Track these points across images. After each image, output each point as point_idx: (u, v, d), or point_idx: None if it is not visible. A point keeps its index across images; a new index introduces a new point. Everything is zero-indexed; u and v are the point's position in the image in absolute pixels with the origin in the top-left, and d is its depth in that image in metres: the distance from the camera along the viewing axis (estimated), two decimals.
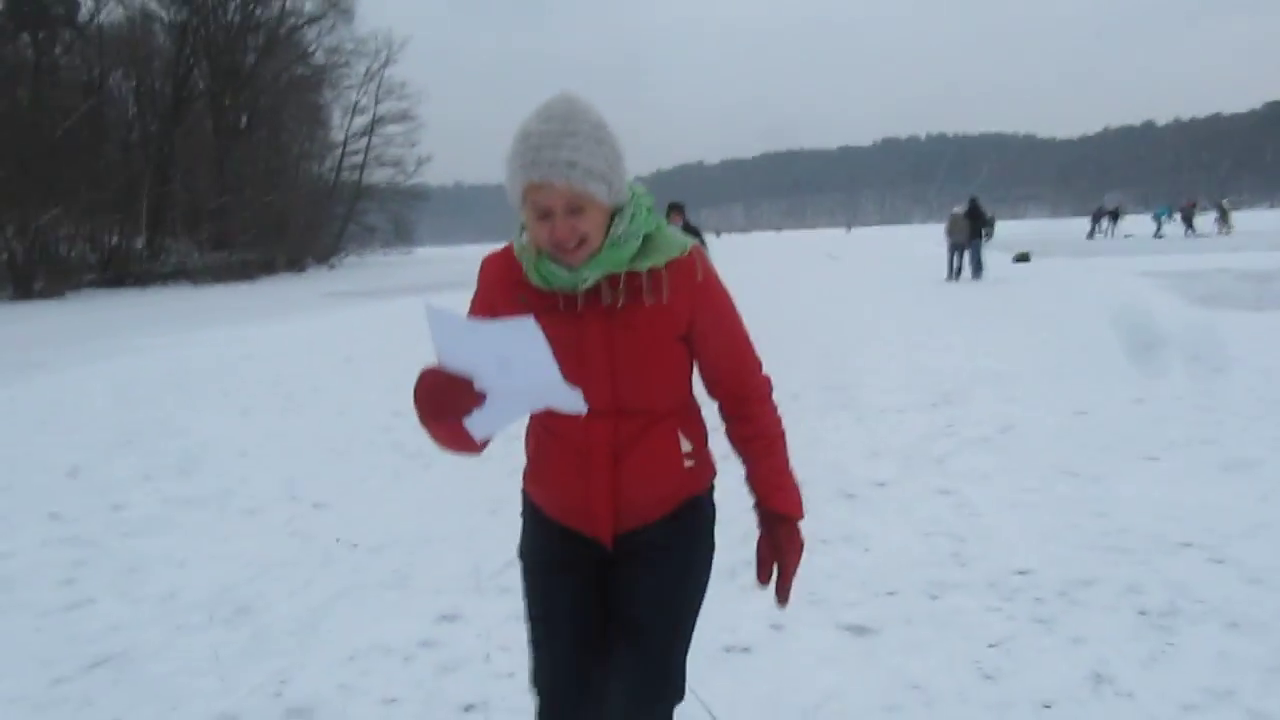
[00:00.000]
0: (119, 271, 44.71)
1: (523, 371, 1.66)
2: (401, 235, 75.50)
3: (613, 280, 1.85)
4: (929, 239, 24.87)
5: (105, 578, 4.46)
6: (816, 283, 24.52)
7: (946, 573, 4.04)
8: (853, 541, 4.47)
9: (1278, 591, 3.64)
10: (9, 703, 3.24)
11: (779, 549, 2.01)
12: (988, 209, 23.19)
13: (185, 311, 23.70)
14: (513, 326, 1.63)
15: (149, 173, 47.21)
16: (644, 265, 1.85)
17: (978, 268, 21.89)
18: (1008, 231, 57.18)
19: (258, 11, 58.81)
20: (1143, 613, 3.53)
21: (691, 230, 11.69)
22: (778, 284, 23.03)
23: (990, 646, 3.32)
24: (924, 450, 6.16)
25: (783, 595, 2.03)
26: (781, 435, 2.07)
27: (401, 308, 20.41)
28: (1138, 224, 52.04)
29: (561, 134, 1.74)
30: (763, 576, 2.04)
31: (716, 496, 2.11)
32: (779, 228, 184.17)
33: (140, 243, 47.32)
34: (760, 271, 27.32)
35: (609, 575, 2.03)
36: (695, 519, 2.05)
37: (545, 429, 2.01)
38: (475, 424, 1.75)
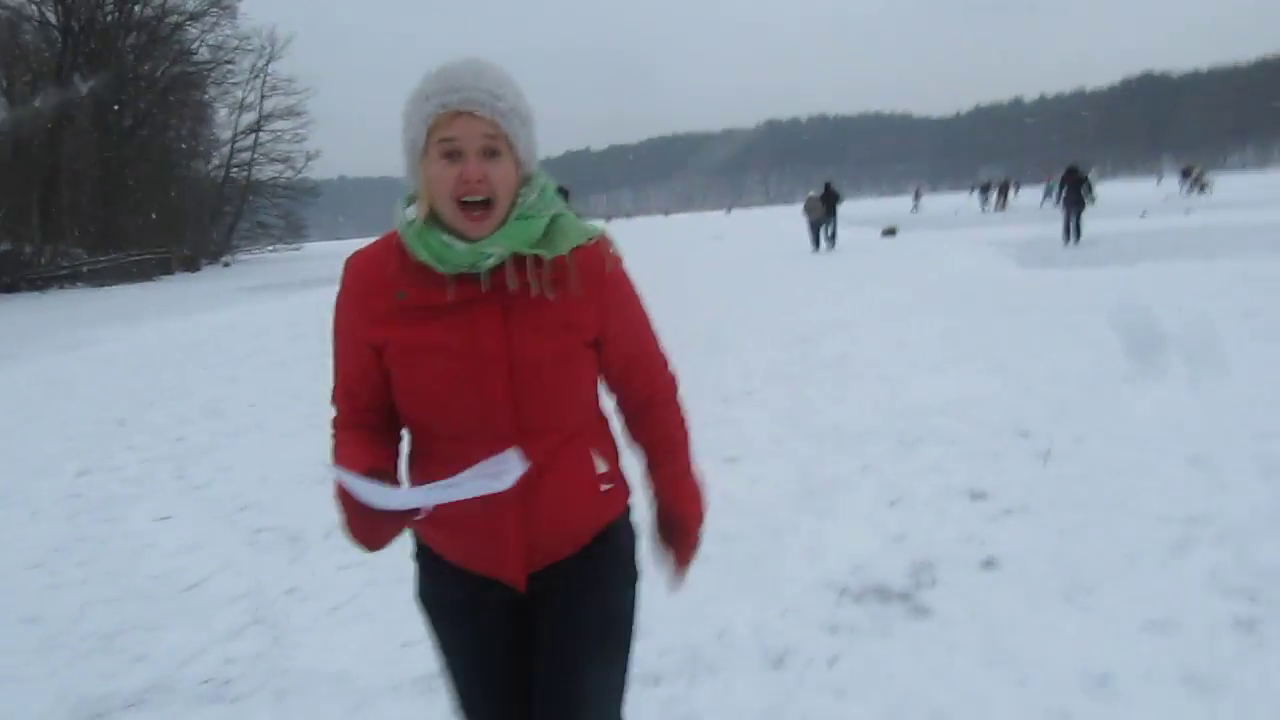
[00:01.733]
0: (12, 277, 44.72)
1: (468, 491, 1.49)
2: (293, 231, 75.56)
3: (518, 262, 1.59)
4: (800, 218, 27.66)
5: (208, 472, 6.33)
6: (702, 259, 27.12)
7: (786, 431, 6.22)
8: (726, 423, 6.57)
9: (980, 425, 5.88)
10: (207, 555, 5.14)
11: (677, 546, 1.89)
12: (841, 192, 26.91)
13: (111, 309, 24.76)
14: (480, 476, 1.47)
15: (37, 177, 47.19)
16: (550, 251, 1.60)
17: (832, 240, 25.73)
18: (887, 207, 61.59)
19: (136, 9, 58.38)
20: (902, 443, 5.73)
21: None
22: (668, 262, 25.28)
23: (809, 463, 5.48)
24: (780, 373, 8.34)
25: (678, 582, 1.93)
26: (686, 437, 1.91)
27: (318, 298, 21.94)
28: (1029, 196, 56.06)
29: (481, 70, 1.55)
30: (659, 559, 1.92)
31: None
32: (666, 211, 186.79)
33: (31, 247, 47.24)
34: (651, 253, 29.54)
35: (525, 620, 1.80)
36: (616, 548, 1.84)
37: (435, 460, 1.68)
38: (397, 500, 1.55)
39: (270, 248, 73.68)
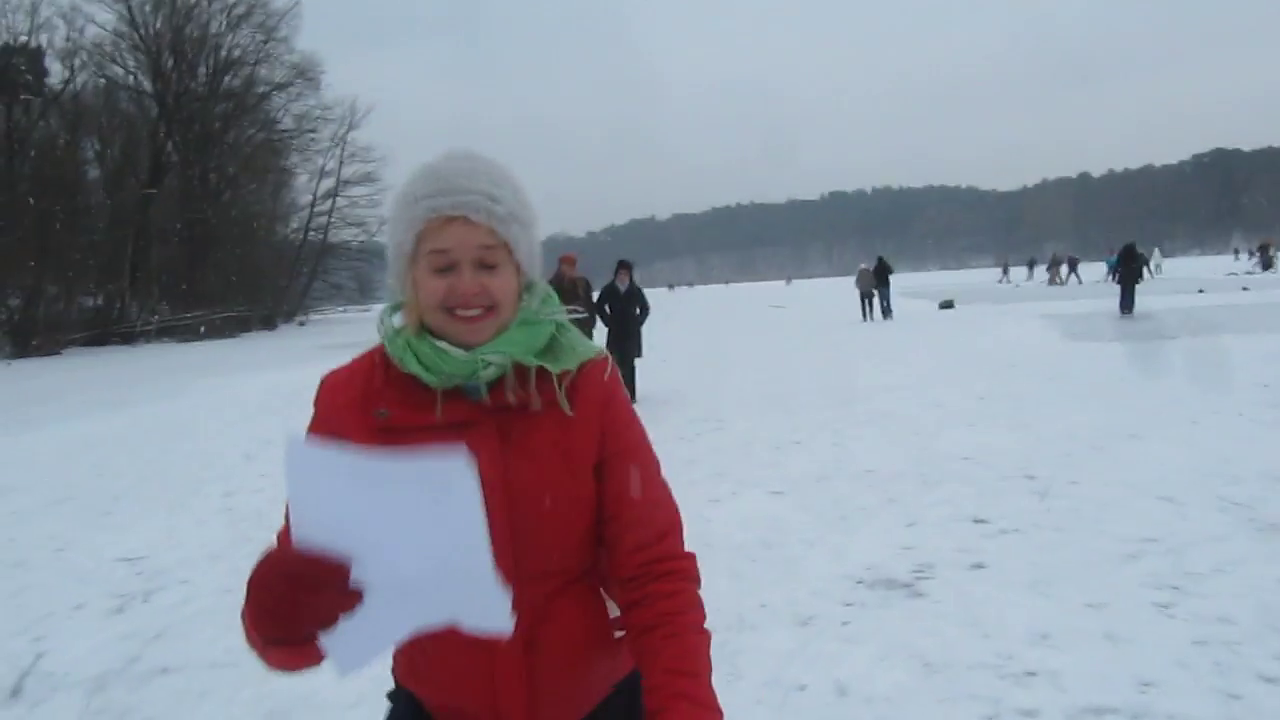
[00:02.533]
0: (104, 330, 47.11)
1: (439, 548, 1.08)
2: (364, 292, 78.05)
3: (520, 375, 1.37)
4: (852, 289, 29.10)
5: None
6: (760, 326, 28.29)
7: (827, 472, 7.23)
8: (775, 466, 7.60)
9: (992, 469, 6.84)
10: None
11: None
12: (890, 264, 28.21)
13: (203, 363, 26.47)
14: (432, 466, 1.05)
15: (130, 237, 49.79)
16: (557, 365, 1.39)
17: (886, 310, 27.08)
18: (950, 280, 62.48)
19: (226, 80, 61.59)
20: (925, 483, 6.72)
21: (636, 290, 11.69)
22: (730, 328, 26.43)
23: (843, 497, 6.49)
24: (828, 426, 9.35)
25: None
26: (700, 626, 1.41)
27: None
28: (1091, 271, 56.38)
29: (475, 171, 1.34)
30: None
31: None
32: (727, 281, 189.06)
33: (122, 303, 49.70)
34: (714, 319, 30.69)
35: None
36: (635, 711, 1.45)
37: None
38: (340, 649, 1.12)
39: (341, 308, 76.14)
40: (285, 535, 1.27)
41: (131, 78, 56.17)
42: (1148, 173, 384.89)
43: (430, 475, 1.03)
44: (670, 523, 1.48)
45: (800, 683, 3.56)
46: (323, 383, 1.45)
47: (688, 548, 1.49)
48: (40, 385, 20.95)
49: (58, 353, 40.37)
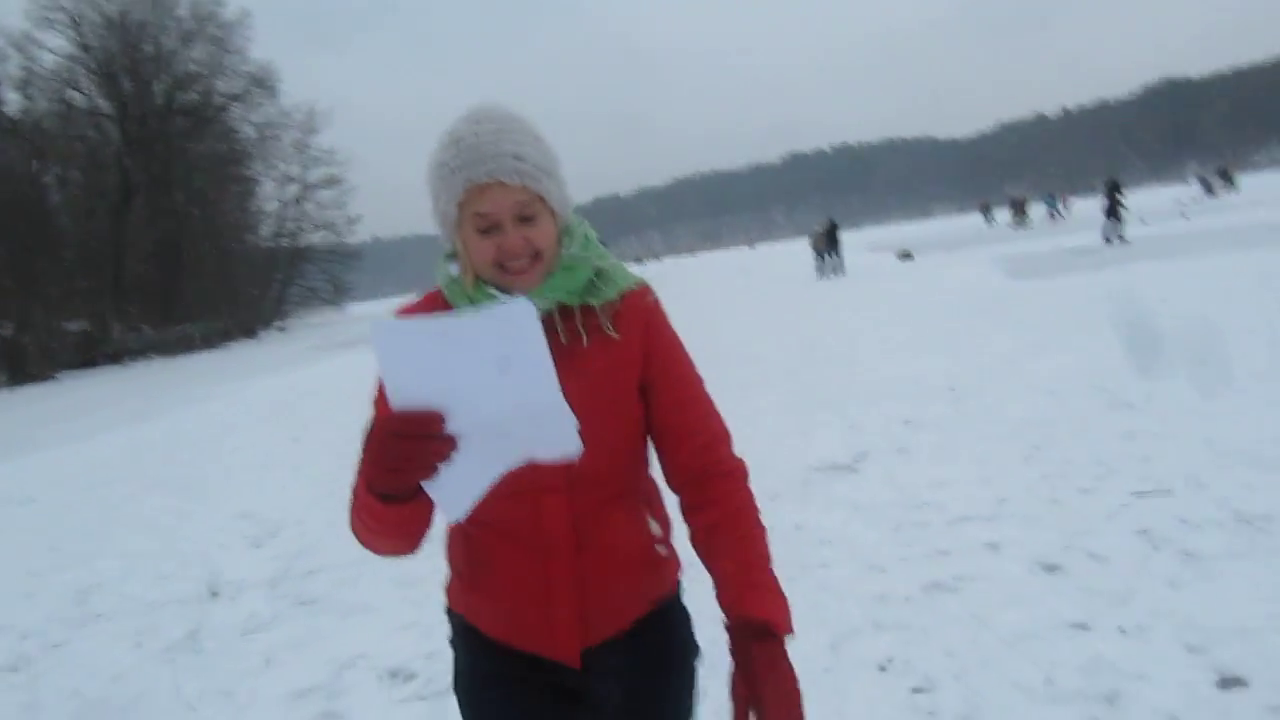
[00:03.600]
0: (92, 353, 48.09)
1: (513, 389, 1.22)
2: (339, 294, 78.58)
3: (565, 313, 1.55)
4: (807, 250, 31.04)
5: None
6: (728, 289, 30.07)
7: (788, 401, 8.85)
8: (744, 402, 9.19)
9: (922, 385, 8.46)
10: None
11: (759, 684, 1.35)
12: (839, 225, 30.40)
13: (202, 373, 27.90)
14: (498, 317, 1.19)
15: (105, 259, 50.69)
16: (598, 299, 1.56)
17: (838, 267, 29.36)
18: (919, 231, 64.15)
19: (183, 96, 62.08)
20: (867, 399, 8.34)
21: None
22: (701, 294, 28.07)
23: (802, 414, 8.10)
24: (786, 366, 10.97)
25: None
26: (758, 521, 1.58)
27: None
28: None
29: (499, 131, 1.47)
30: (738, 711, 1.36)
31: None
32: (693, 251, 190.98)
33: (105, 325, 50.60)
34: (685, 288, 32.28)
35: (586, 702, 1.65)
36: (673, 631, 1.72)
37: (480, 523, 1.54)
38: (444, 492, 1.29)
39: (316, 312, 76.69)
40: (380, 404, 1.50)
41: (89, 101, 56.73)
42: (1100, 108, 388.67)
43: (500, 322, 1.16)
44: (721, 430, 1.65)
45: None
46: (396, 313, 1.57)
47: (735, 453, 1.64)
48: (65, 404, 22.36)
49: (54, 378, 41.36)
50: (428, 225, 1.57)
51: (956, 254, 31.66)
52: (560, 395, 1.22)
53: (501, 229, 1.47)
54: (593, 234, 1.64)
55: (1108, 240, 24.75)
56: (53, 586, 6.11)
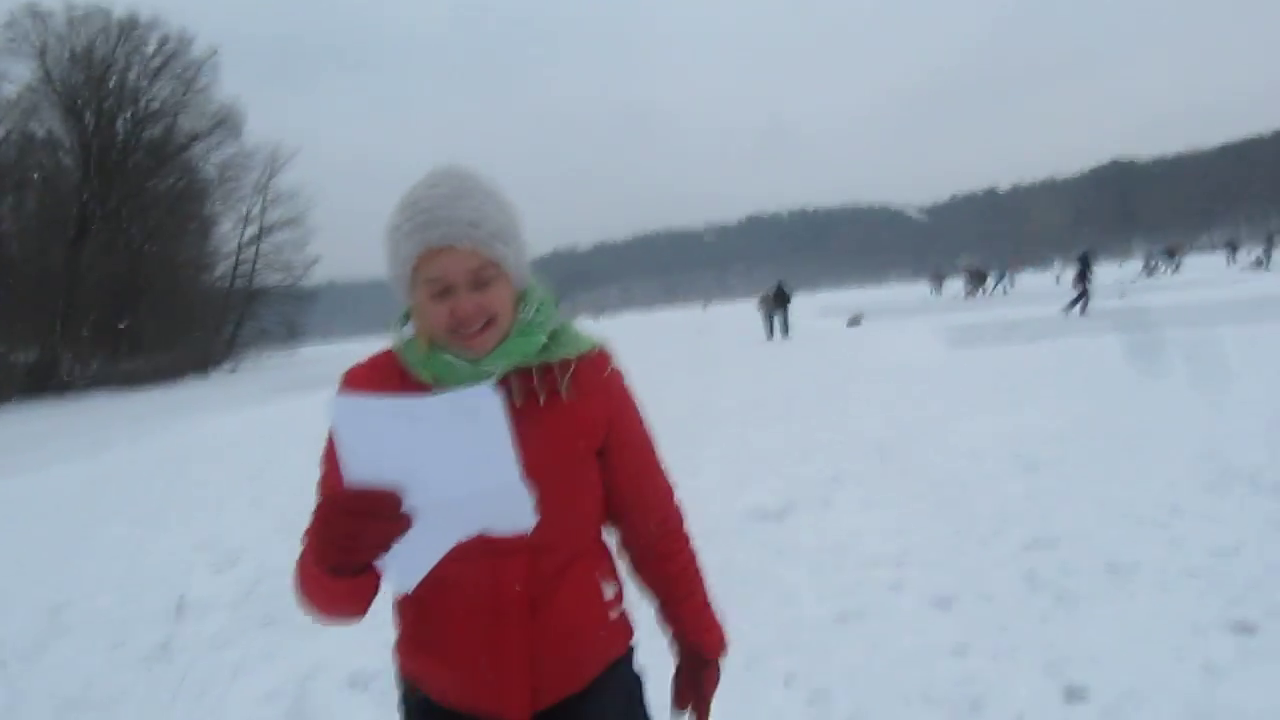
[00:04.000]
0: (42, 383, 47.68)
1: (472, 471, 1.25)
2: (292, 335, 77.83)
3: (522, 376, 1.57)
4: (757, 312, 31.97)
5: None
6: (681, 348, 30.78)
7: (731, 453, 9.39)
8: (692, 444, 9.72)
9: (854, 441, 9.03)
10: None
11: (700, 684, 1.85)
12: (788, 288, 31.50)
13: (159, 408, 27.93)
14: (464, 402, 1.22)
15: (58, 289, 50.38)
16: (553, 358, 1.59)
17: (785, 330, 30.47)
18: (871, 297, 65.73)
19: (145, 131, 62.10)
20: (802, 452, 8.89)
21: None
22: (653, 352, 28.71)
23: (747, 466, 8.64)
24: (733, 419, 11.53)
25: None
26: (700, 570, 1.87)
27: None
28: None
29: (457, 195, 1.48)
30: (680, 704, 1.87)
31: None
32: (647, 307, 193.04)
33: (57, 356, 50.20)
34: (640, 346, 32.91)
35: None
36: (625, 686, 1.77)
37: (432, 582, 1.46)
38: (395, 565, 1.32)
39: (268, 353, 75.87)
40: (328, 481, 1.56)
41: (49, 132, 56.63)
42: (1050, 185, 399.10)
43: (465, 407, 1.19)
44: (669, 492, 1.84)
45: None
46: (346, 376, 1.62)
47: (676, 500, 1.89)
48: (15, 434, 22.35)
49: (0, 406, 41.05)
50: (383, 270, 1.56)
51: (904, 321, 32.62)
52: (520, 477, 1.26)
53: (455, 293, 1.48)
54: (549, 298, 1.65)
55: (1076, 308, 26.15)
56: (22, 603, 6.43)
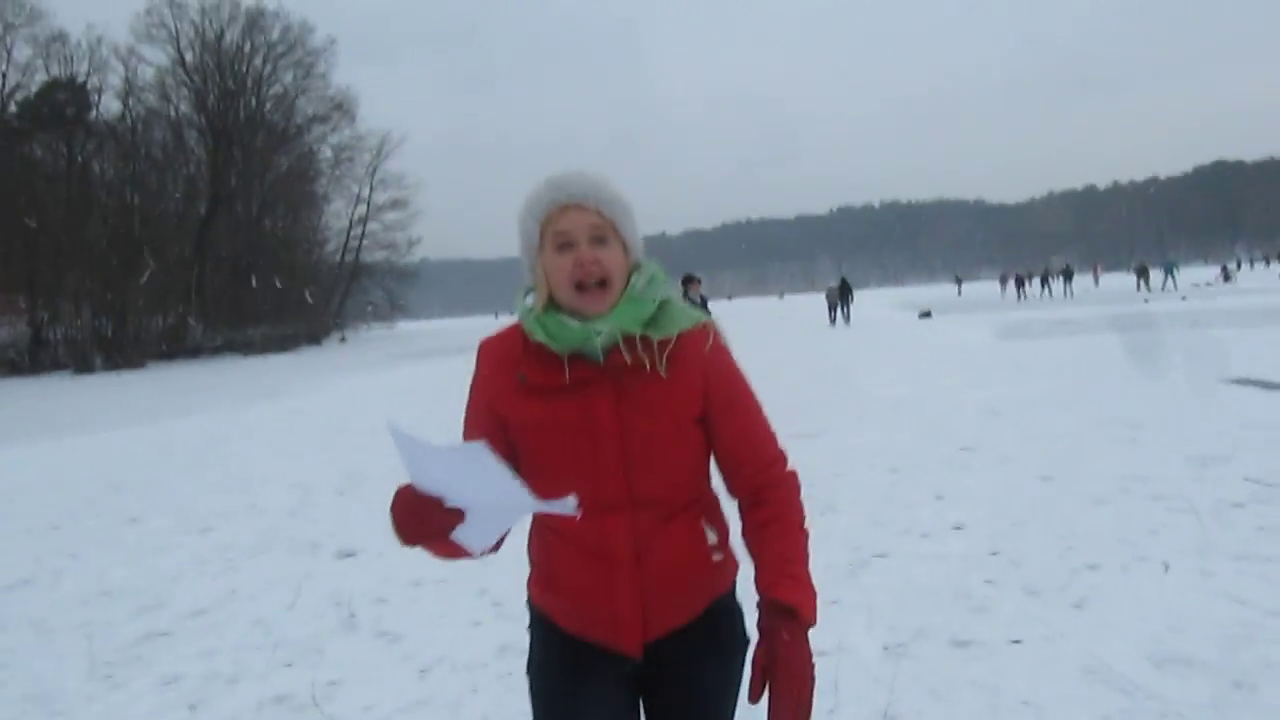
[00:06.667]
0: (175, 347, 51.97)
1: (491, 493, 1.56)
2: (396, 310, 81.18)
3: (629, 343, 1.73)
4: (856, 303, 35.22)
5: None
6: (762, 330, 34.10)
7: (794, 401, 12.43)
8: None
9: (889, 404, 11.97)
10: None
11: (778, 658, 1.62)
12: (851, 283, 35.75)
13: (304, 369, 31.91)
14: (464, 452, 1.52)
15: (194, 263, 54.65)
16: (658, 333, 1.74)
17: (847, 318, 34.69)
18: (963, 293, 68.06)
19: (268, 110, 66.23)
20: (853, 414, 11.87)
21: (704, 302, 14.36)
22: (748, 333, 31.87)
23: (803, 420, 11.68)
24: (800, 392, 14.50)
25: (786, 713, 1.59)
26: (802, 525, 1.82)
27: (455, 364, 28.70)
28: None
29: (581, 172, 1.76)
30: (754, 695, 1.63)
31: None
32: (730, 296, 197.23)
33: (187, 324, 54.41)
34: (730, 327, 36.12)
35: (640, 694, 1.90)
36: (728, 623, 1.90)
37: (552, 530, 1.83)
38: (465, 538, 1.65)
39: (368, 326, 79.05)
40: (468, 416, 1.89)
41: (180, 113, 60.55)
42: (1153, 184, 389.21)
43: (468, 451, 1.50)
44: (778, 453, 1.88)
45: None
46: (481, 346, 1.87)
47: (789, 467, 1.88)
48: (196, 384, 26.27)
49: (143, 366, 45.30)
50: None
51: (971, 315, 35.17)
52: (527, 496, 1.52)
53: (576, 247, 1.71)
54: (661, 274, 1.83)
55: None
56: (279, 483, 9.75)
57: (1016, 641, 4.04)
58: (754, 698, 1.62)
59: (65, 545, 7.32)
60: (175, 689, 4.21)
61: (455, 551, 1.67)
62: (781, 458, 1.88)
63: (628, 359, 1.72)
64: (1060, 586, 4.69)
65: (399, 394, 19.41)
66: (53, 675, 4.48)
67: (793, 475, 1.88)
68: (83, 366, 43.74)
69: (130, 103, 55.70)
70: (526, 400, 1.75)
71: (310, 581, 5.81)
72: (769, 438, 1.89)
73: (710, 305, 16.60)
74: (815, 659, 1.65)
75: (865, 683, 3.69)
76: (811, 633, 1.67)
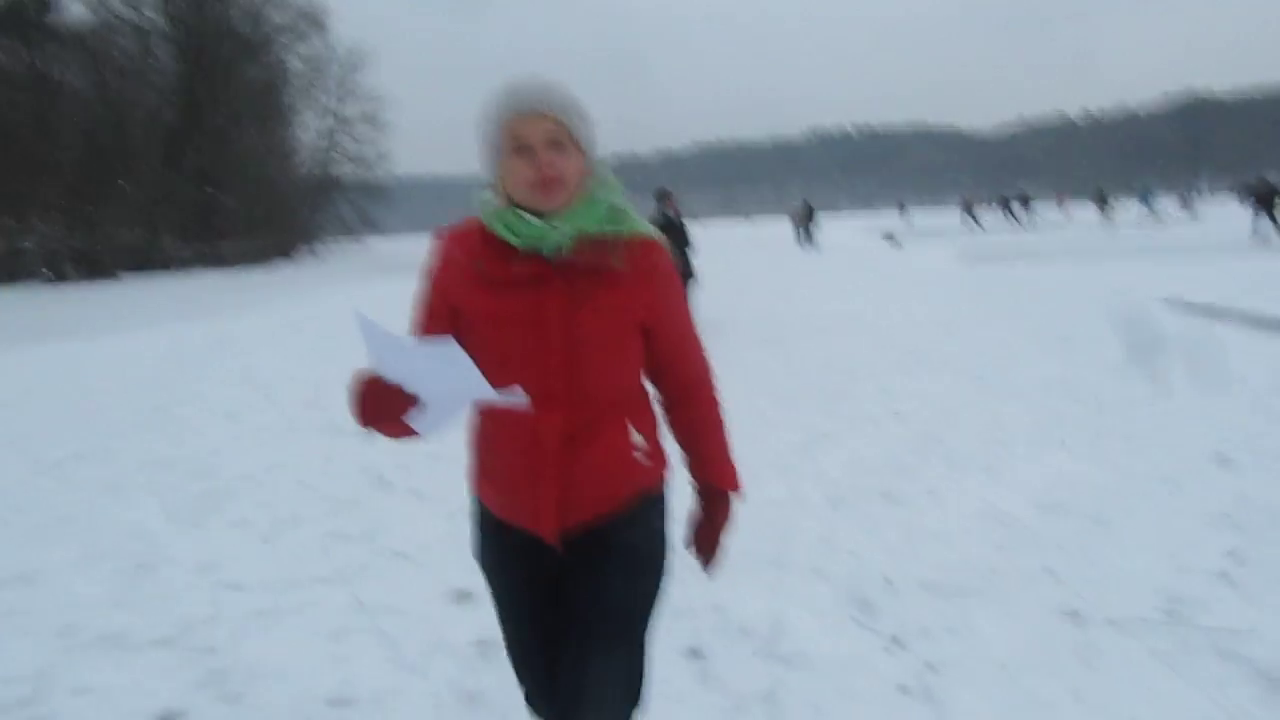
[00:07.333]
0: (144, 260, 51.64)
1: (451, 385, 1.70)
2: (366, 226, 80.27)
3: (584, 241, 1.85)
4: (825, 227, 36.27)
5: None
6: (733, 252, 34.98)
7: (754, 317, 13.35)
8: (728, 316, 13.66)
9: (848, 321, 12.94)
10: None
11: (713, 522, 2.10)
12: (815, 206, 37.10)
13: (271, 283, 32.51)
14: (435, 348, 1.65)
15: (162, 174, 54.06)
16: (614, 227, 1.88)
17: (810, 239, 36.18)
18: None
19: (234, 19, 64.48)
20: (808, 327, 12.82)
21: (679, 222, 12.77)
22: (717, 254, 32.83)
23: (764, 330, 12.60)
24: (767, 306, 15.43)
25: (711, 561, 2.13)
26: (722, 419, 2.13)
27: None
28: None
29: (542, 80, 1.84)
30: (694, 543, 2.13)
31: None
32: (695, 216, 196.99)
33: (158, 235, 53.98)
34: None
35: (565, 577, 2.03)
36: (648, 516, 2.06)
37: (493, 420, 1.98)
38: (419, 424, 1.79)
39: (338, 240, 78.04)
40: (420, 309, 2.02)
41: (146, 17, 58.61)
42: (1125, 117, 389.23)
43: (437, 345, 1.65)
44: (704, 361, 2.12)
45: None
46: (440, 236, 1.99)
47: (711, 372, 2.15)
48: (185, 293, 26.82)
49: (116, 276, 45.25)
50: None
51: (926, 240, 36.21)
52: (489, 389, 1.71)
53: (534, 151, 1.79)
54: (614, 181, 1.95)
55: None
56: (243, 380, 10.59)
57: (932, 492, 5.07)
58: (695, 542, 2.12)
59: (107, 428, 8.14)
60: (246, 529, 5.13)
61: (406, 432, 1.83)
62: (703, 356, 2.13)
63: (583, 256, 1.85)
64: (974, 458, 5.70)
65: (389, 304, 20.07)
66: (139, 521, 5.36)
67: (711, 371, 2.15)
68: (58, 275, 43.71)
69: (94, 6, 54.29)
70: (480, 292, 1.87)
71: (339, 455, 6.70)
72: (699, 350, 2.12)
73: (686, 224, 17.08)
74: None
75: (811, 523, 4.64)
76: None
